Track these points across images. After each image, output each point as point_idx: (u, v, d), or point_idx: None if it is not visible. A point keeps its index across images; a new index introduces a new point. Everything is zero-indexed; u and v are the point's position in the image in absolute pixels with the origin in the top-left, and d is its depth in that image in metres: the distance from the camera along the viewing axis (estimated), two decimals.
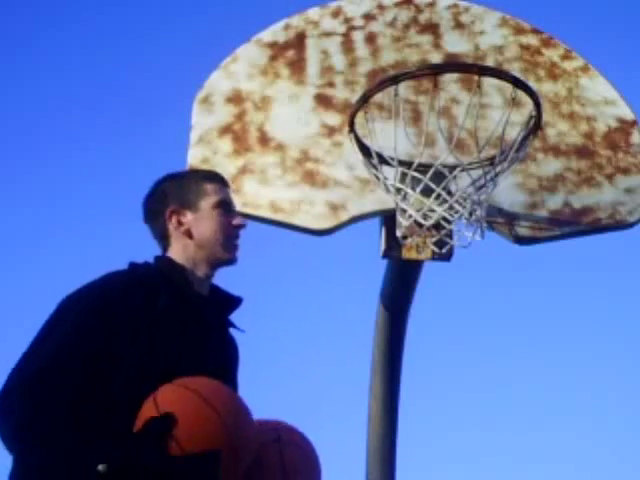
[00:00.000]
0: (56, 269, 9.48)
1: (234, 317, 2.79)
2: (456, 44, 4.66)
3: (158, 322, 2.50)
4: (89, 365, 2.35)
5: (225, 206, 2.76)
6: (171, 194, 2.77)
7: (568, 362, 9.37)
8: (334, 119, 4.30)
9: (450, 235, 3.85)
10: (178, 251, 2.71)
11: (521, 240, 4.11)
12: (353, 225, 4.07)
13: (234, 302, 2.77)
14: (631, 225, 4.24)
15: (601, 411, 8.92)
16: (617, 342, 9.39)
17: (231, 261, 2.74)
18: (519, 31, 4.77)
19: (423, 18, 4.73)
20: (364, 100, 3.82)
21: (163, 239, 2.75)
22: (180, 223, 2.72)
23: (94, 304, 2.46)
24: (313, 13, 4.71)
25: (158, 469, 2.24)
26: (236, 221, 2.75)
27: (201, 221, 2.72)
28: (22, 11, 10.30)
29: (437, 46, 4.64)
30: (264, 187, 4.08)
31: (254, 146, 4.21)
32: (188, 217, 2.72)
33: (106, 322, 2.42)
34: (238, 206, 3.92)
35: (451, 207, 3.76)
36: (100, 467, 2.20)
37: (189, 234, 2.71)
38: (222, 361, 2.65)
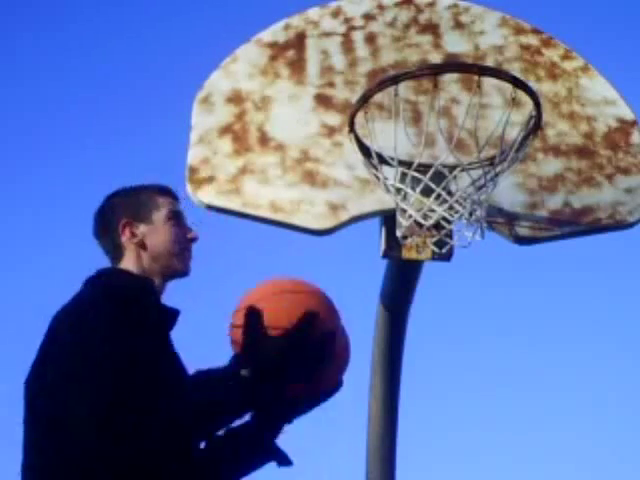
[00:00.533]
0: (56, 269, 9.48)
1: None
2: (456, 44, 4.66)
3: (151, 331, 2.52)
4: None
5: (178, 218, 2.84)
6: (123, 207, 2.84)
7: (568, 362, 9.37)
8: (334, 119, 4.30)
9: (450, 235, 3.84)
10: (131, 263, 2.74)
11: (521, 240, 4.10)
12: (353, 225, 4.07)
13: (175, 315, 2.80)
14: (631, 225, 4.24)
15: (602, 411, 8.93)
16: (617, 342, 9.39)
17: (185, 272, 2.82)
18: (519, 31, 4.77)
19: (423, 18, 4.73)
20: (364, 100, 3.81)
21: (115, 252, 2.77)
22: (134, 235, 2.78)
23: (106, 337, 2.45)
24: (313, 13, 4.71)
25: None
26: (190, 234, 2.84)
27: (155, 233, 2.78)
28: (21, 11, 10.30)
29: (437, 46, 4.64)
30: (264, 187, 4.07)
31: (254, 146, 4.21)
32: (141, 229, 2.79)
33: (123, 349, 2.44)
34: (238, 206, 3.97)
35: (451, 207, 3.75)
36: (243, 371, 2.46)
37: (143, 245, 2.76)
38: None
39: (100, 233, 2.83)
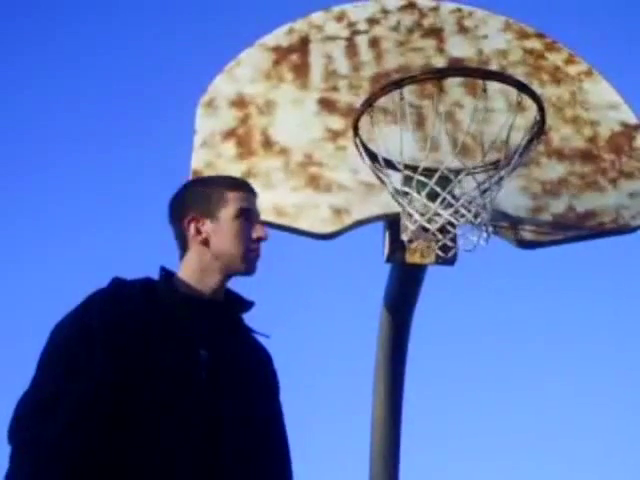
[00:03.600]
0: (61, 273, 9.49)
1: (256, 323, 2.75)
2: (460, 48, 4.66)
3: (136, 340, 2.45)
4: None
5: (246, 216, 2.67)
6: (193, 200, 2.72)
7: (572, 364, 9.37)
8: (338, 123, 4.30)
9: (454, 239, 3.84)
10: (193, 258, 2.66)
11: (525, 244, 4.11)
12: (357, 229, 4.07)
13: (242, 306, 2.71)
14: (634, 229, 4.24)
15: (608, 415, 8.91)
16: (621, 345, 9.38)
17: (249, 273, 2.68)
18: (523, 35, 4.78)
19: (427, 22, 4.74)
20: (368, 104, 3.82)
21: (182, 243, 2.70)
22: (199, 232, 2.67)
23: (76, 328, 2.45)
24: (317, 17, 4.72)
25: None
26: (256, 233, 2.66)
27: (220, 231, 2.66)
28: (27, 12, 10.31)
29: (441, 50, 4.64)
30: (268, 191, 4.08)
31: (258, 150, 4.22)
32: (207, 226, 2.67)
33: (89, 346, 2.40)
34: None
35: (456, 211, 3.75)
36: None
37: (207, 243, 2.66)
38: (233, 368, 2.57)
39: (170, 221, 2.77)
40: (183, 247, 2.70)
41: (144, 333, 2.47)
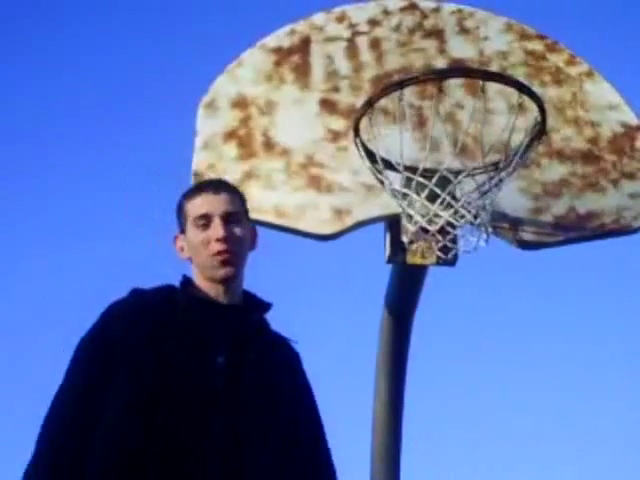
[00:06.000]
0: (61, 275, 9.49)
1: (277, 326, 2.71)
2: (461, 49, 4.66)
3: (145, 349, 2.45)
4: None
5: (202, 222, 2.60)
6: (177, 218, 2.70)
7: (574, 366, 9.37)
8: (339, 124, 4.30)
9: (455, 240, 3.84)
10: (192, 272, 2.65)
11: (525, 245, 4.11)
12: (358, 230, 4.07)
13: (259, 308, 2.66)
14: (636, 230, 4.25)
15: (610, 416, 8.91)
16: (622, 347, 9.38)
17: (222, 279, 2.58)
18: (524, 36, 4.78)
19: (428, 23, 4.74)
20: (369, 105, 3.82)
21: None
22: (182, 249, 2.67)
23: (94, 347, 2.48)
24: (318, 18, 4.72)
25: None
26: (213, 234, 2.57)
27: (189, 245, 2.63)
28: (27, 12, 10.32)
29: (442, 51, 4.64)
30: (269, 192, 4.08)
31: (259, 151, 4.22)
32: (183, 242, 2.66)
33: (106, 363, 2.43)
34: None
35: (456, 212, 3.75)
36: None
37: (190, 258, 2.64)
38: (253, 378, 2.52)
39: None
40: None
41: (165, 346, 2.45)
